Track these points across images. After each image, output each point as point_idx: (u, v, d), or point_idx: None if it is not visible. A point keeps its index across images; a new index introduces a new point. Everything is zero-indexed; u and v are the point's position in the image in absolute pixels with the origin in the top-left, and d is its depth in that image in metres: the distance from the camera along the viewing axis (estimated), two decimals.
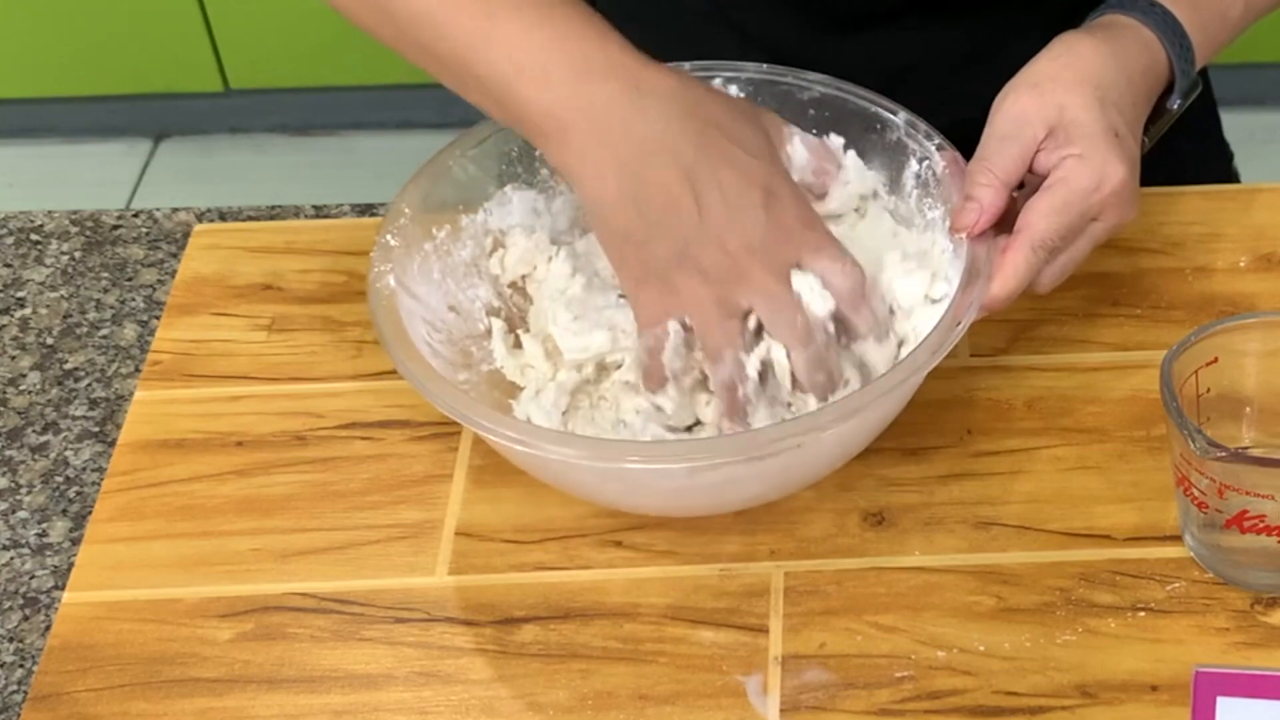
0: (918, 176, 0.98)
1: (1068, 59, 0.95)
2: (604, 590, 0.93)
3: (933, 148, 0.97)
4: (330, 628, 0.92)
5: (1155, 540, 0.92)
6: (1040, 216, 0.91)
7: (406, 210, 0.96)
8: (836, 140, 0.98)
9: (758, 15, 1.14)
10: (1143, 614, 0.89)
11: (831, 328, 0.89)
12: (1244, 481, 0.84)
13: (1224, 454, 0.82)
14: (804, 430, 0.84)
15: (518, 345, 0.98)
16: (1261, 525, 0.85)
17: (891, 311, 0.93)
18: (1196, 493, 0.86)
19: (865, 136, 0.99)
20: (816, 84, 1.00)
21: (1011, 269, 0.91)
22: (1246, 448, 0.92)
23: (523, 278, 0.99)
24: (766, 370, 0.88)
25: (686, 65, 1.00)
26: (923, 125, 0.98)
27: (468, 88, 0.89)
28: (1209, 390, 0.89)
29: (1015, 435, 0.98)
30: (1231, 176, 1.31)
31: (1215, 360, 0.89)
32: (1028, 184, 0.94)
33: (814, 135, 0.96)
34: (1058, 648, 0.88)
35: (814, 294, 0.87)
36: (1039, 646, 0.88)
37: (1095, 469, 0.96)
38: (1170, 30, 0.97)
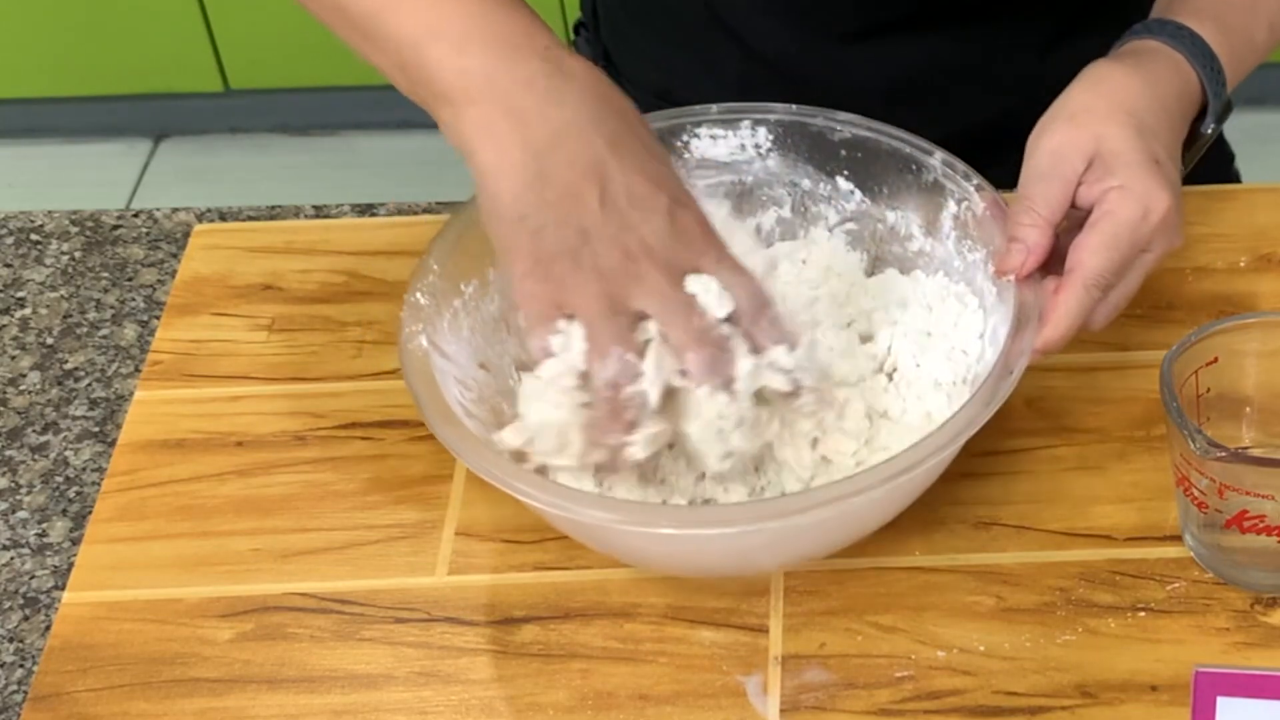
0: (956, 218, 0.95)
1: (1101, 89, 0.93)
2: (604, 590, 0.93)
3: (971, 188, 0.94)
4: (330, 628, 0.92)
5: (1155, 540, 0.92)
6: (1091, 253, 0.89)
7: (435, 266, 0.93)
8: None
9: (758, 25, 1.14)
10: (1143, 614, 0.89)
11: (727, 330, 0.84)
12: (1244, 481, 0.84)
13: (1224, 454, 0.82)
14: (852, 490, 0.81)
15: None
16: (1261, 525, 0.85)
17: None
18: (1196, 493, 0.86)
19: (900, 178, 0.97)
20: (848, 125, 0.97)
21: (1065, 310, 0.88)
22: (1246, 448, 0.92)
23: None
24: (679, 441, 0.86)
25: (714, 107, 0.99)
26: (960, 165, 0.95)
27: (375, 50, 0.86)
28: (1209, 390, 0.89)
29: (1015, 435, 0.98)
30: (1232, 177, 1.31)
31: (1215, 360, 0.88)
32: (1070, 219, 0.92)
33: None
34: (1058, 648, 0.88)
35: (710, 295, 0.83)
36: (1039, 646, 0.88)
37: (1095, 469, 0.96)
38: (1200, 53, 0.96)
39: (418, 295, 0.92)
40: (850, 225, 1.00)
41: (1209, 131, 0.99)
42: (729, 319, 0.84)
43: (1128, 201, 0.90)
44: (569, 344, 0.83)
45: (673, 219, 0.83)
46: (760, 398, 0.87)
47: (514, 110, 0.82)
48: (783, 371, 0.85)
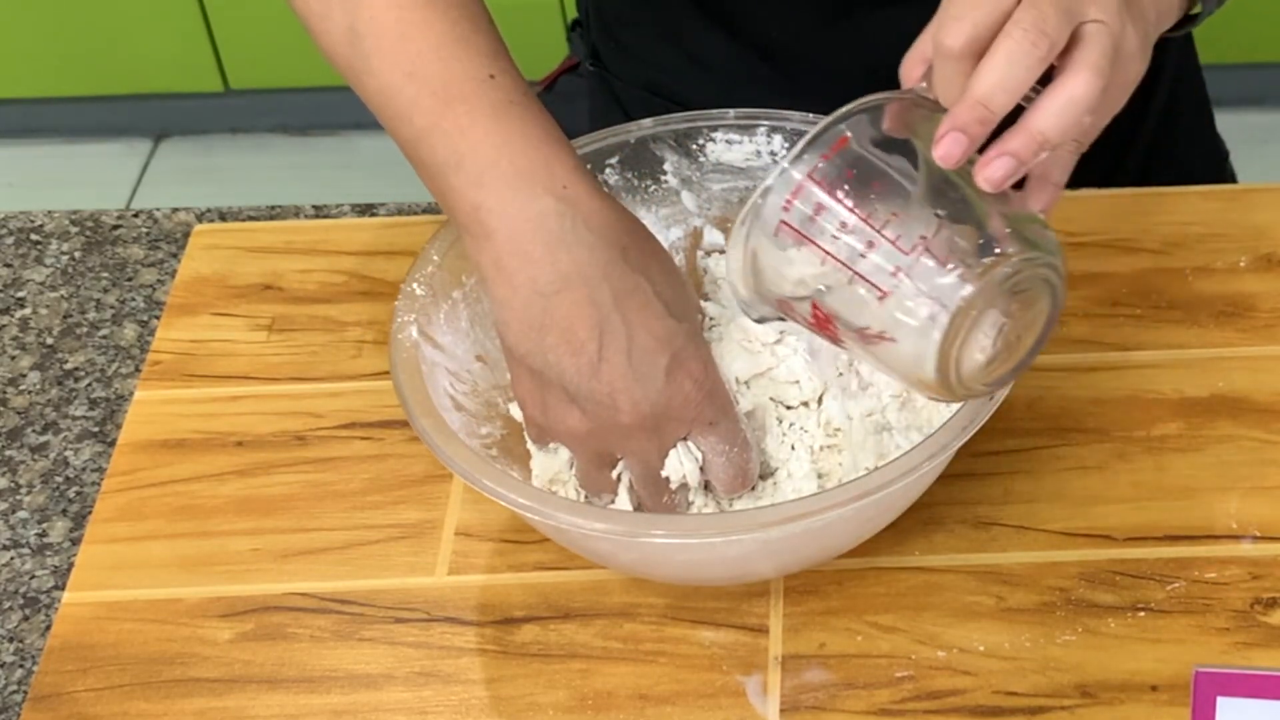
0: None
1: None
2: (604, 590, 0.93)
3: None
4: (330, 628, 0.92)
5: (1155, 540, 0.92)
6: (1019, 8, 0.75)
7: (435, 257, 0.93)
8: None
9: (743, 6, 1.13)
10: (1143, 614, 0.89)
11: (694, 498, 0.87)
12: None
13: None
14: (830, 504, 0.81)
15: None
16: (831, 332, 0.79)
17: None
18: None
19: None
20: None
21: (992, 62, 0.74)
22: None
23: None
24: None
25: (731, 113, 0.98)
26: None
27: (420, 172, 0.86)
28: None
29: (1015, 435, 0.98)
30: (1226, 174, 1.31)
31: None
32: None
33: None
34: (1058, 648, 0.88)
35: (689, 475, 0.85)
36: (1039, 646, 0.88)
37: (1095, 469, 0.96)
38: None
39: (414, 285, 0.92)
40: None
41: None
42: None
43: None
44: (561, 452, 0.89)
45: (670, 380, 0.82)
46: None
47: (522, 251, 0.82)
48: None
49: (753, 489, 0.89)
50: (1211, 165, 1.29)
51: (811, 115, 0.98)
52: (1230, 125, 1.32)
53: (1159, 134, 1.21)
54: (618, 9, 1.20)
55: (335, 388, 1.04)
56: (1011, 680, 0.87)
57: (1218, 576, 0.91)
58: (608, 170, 0.98)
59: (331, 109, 2.56)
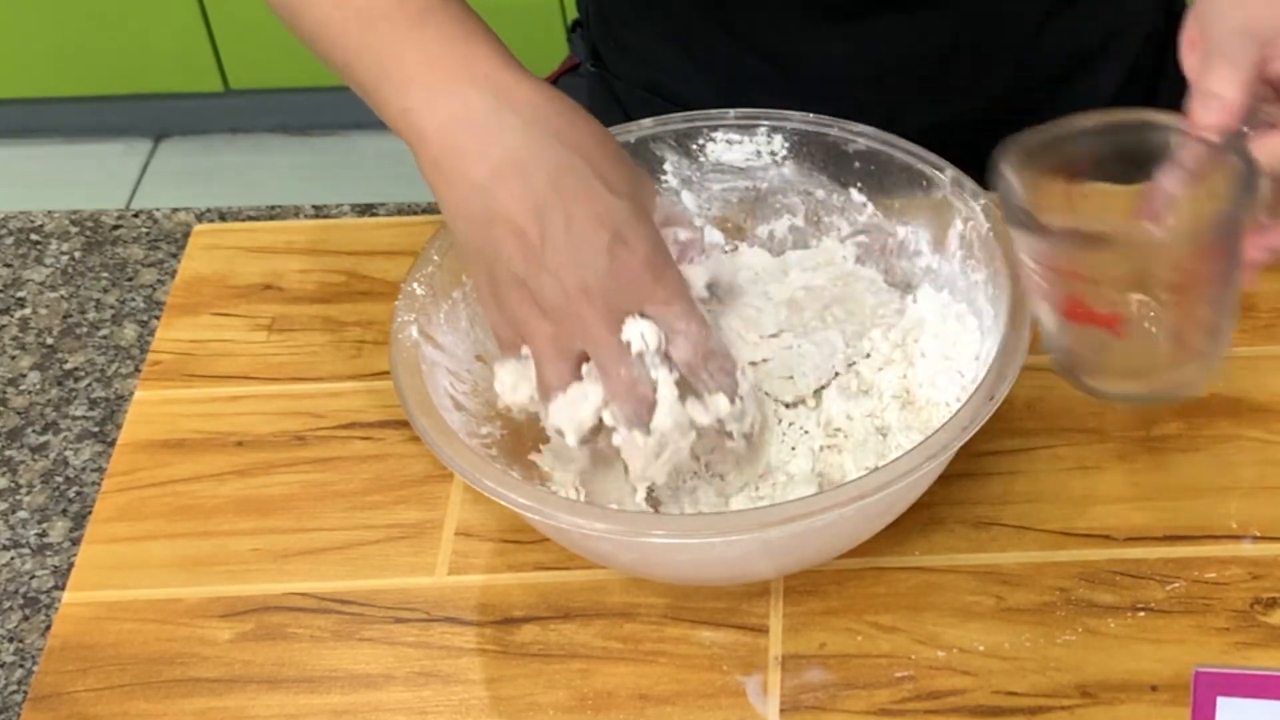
0: (962, 237, 0.94)
1: None
2: (604, 590, 0.93)
3: (978, 208, 0.93)
4: (330, 628, 0.92)
5: (1155, 540, 0.92)
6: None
7: (435, 257, 0.93)
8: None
9: (745, 10, 1.14)
10: (1143, 614, 0.89)
11: (661, 381, 0.84)
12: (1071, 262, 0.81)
13: (1032, 227, 0.81)
14: (831, 504, 0.81)
15: None
16: (1084, 312, 0.82)
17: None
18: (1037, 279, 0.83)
19: (910, 193, 0.96)
20: (861, 136, 0.97)
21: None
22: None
23: None
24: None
25: (731, 112, 0.98)
26: (969, 184, 0.94)
27: (360, 95, 0.88)
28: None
29: (1015, 435, 0.98)
30: None
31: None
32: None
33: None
34: (1058, 648, 0.88)
35: (647, 341, 0.83)
36: (1039, 646, 0.88)
37: (1095, 469, 0.96)
38: None
39: (414, 285, 0.92)
40: (861, 238, 0.99)
41: None
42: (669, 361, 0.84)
43: None
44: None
45: (613, 258, 0.82)
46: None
47: (456, 148, 0.83)
48: (713, 420, 0.85)
49: (746, 446, 0.87)
50: None
51: (811, 115, 0.98)
52: None
53: None
54: (619, 10, 1.20)
55: (335, 388, 1.04)
56: (1011, 680, 0.87)
57: (1218, 576, 0.91)
58: None
59: (331, 109, 2.56)
